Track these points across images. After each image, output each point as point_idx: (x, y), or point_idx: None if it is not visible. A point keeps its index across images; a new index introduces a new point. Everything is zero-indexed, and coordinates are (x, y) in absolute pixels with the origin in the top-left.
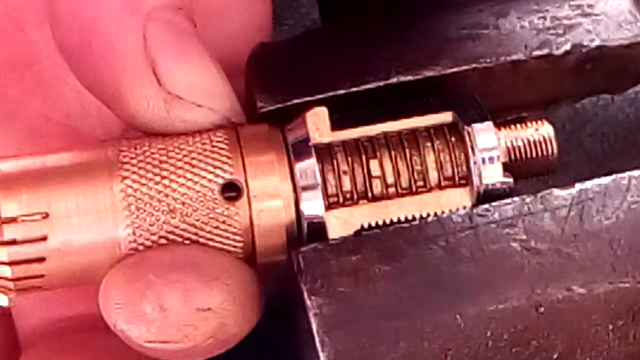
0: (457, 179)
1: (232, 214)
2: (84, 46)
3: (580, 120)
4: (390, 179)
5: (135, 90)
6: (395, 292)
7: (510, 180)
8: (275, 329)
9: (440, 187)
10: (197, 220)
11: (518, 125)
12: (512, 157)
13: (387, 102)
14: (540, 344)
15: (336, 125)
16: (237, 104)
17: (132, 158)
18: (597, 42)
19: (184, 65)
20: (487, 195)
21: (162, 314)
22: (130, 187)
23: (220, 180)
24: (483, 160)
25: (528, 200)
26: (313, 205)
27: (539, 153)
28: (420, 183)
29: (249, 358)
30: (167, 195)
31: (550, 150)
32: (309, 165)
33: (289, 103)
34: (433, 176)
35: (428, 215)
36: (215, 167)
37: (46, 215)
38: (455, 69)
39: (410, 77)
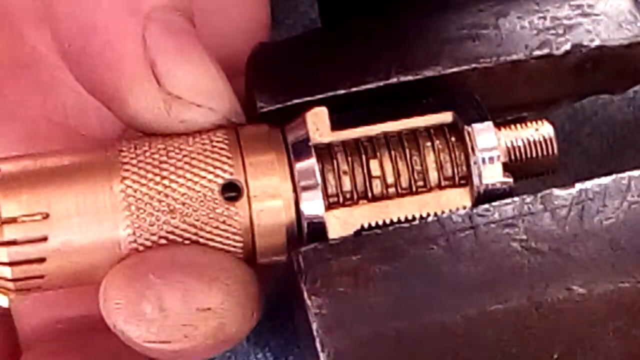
0: (457, 179)
1: (232, 214)
2: (83, 47)
3: (579, 120)
4: (390, 179)
5: (134, 91)
6: (396, 292)
7: (510, 180)
8: (275, 329)
9: (440, 187)
10: (197, 220)
11: (518, 125)
12: (512, 157)
13: (387, 102)
14: (540, 344)
15: (336, 125)
16: (237, 104)
17: (132, 158)
18: (597, 42)
19: (183, 66)
20: (487, 195)
21: (162, 314)
22: (130, 187)
23: (220, 181)
24: (483, 160)
25: (528, 200)
26: (313, 205)
27: (539, 153)
28: (420, 183)
29: (249, 357)
30: (167, 196)
31: (550, 150)
32: (309, 165)
33: (289, 103)
34: (433, 176)
35: (428, 215)
36: (215, 167)
37: (46, 216)
38: (455, 69)
39: (410, 77)
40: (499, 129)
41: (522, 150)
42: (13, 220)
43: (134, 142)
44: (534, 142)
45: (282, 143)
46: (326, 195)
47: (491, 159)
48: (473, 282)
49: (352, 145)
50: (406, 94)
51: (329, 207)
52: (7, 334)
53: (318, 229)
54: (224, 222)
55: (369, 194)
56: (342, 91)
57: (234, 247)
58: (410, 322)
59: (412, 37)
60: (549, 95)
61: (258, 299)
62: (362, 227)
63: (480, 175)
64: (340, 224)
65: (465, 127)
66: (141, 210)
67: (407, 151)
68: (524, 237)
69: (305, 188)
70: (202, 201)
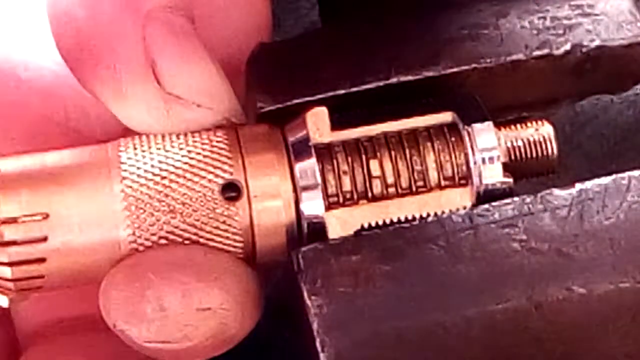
0: (457, 179)
1: (232, 214)
2: (83, 47)
3: (579, 121)
4: (390, 179)
5: (134, 91)
6: (396, 292)
7: (510, 180)
8: (275, 329)
9: (440, 187)
10: (197, 220)
11: (518, 125)
12: (512, 157)
13: (387, 102)
14: (540, 344)
15: (336, 125)
16: (237, 104)
17: (131, 158)
18: (597, 42)
19: (184, 66)
20: (487, 195)
21: (162, 314)
22: (130, 187)
23: (220, 181)
24: (483, 160)
25: (528, 200)
26: (313, 205)
27: (539, 153)
28: (420, 183)
29: (249, 358)
30: (167, 196)
31: (550, 151)
32: (309, 165)
33: (289, 103)
34: (433, 176)
35: (428, 215)
36: (215, 167)
37: (46, 216)
38: (455, 69)
39: (410, 77)
40: (499, 129)
41: (522, 150)
42: (13, 220)
43: (133, 142)
44: (534, 142)
45: (282, 143)
46: (326, 195)
47: (491, 159)
48: (473, 282)
49: (352, 145)
50: (406, 94)
51: (329, 207)
52: (7, 334)
53: (318, 229)
54: (224, 222)
55: (369, 194)
56: (342, 91)
57: (234, 247)
58: (410, 322)
59: (412, 37)
60: (549, 95)
61: (258, 299)
62: (362, 227)
63: (480, 175)
64: (340, 224)
65: (465, 127)
66: (141, 211)
67: (407, 151)
68: (524, 237)
69: (305, 188)
70: (202, 201)
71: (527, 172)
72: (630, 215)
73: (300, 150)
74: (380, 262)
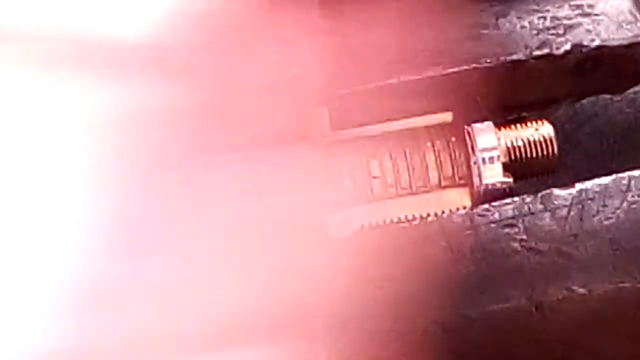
0: (457, 179)
1: None
2: None
3: (579, 120)
4: (390, 179)
5: None
6: (396, 292)
7: (510, 180)
8: None
9: (440, 187)
10: None
11: (518, 125)
12: (512, 157)
13: (387, 102)
14: (540, 344)
15: (336, 125)
16: None
17: None
18: (597, 42)
19: None
20: (487, 195)
21: None
22: None
23: None
24: (483, 160)
25: (528, 200)
26: None
27: (539, 153)
28: (420, 183)
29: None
30: None
31: (550, 150)
32: None
33: None
34: (433, 176)
35: (428, 215)
36: None
37: None
38: (455, 69)
39: (410, 77)
40: (499, 129)
41: (522, 150)
42: None
43: None
44: (534, 142)
45: None
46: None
47: (491, 159)
48: (473, 282)
49: (352, 145)
50: (406, 94)
51: None
52: None
53: None
54: None
55: (369, 194)
56: (343, 91)
57: None
58: (410, 322)
59: (412, 37)
60: (549, 95)
61: None
62: (362, 227)
63: (480, 175)
64: (341, 224)
65: (465, 127)
66: None
67: (407, 151)
68: (524, 237)
69: None
70: None
71: (527, 172)
72: (630, 215)
73: None
74: (380, 262)
